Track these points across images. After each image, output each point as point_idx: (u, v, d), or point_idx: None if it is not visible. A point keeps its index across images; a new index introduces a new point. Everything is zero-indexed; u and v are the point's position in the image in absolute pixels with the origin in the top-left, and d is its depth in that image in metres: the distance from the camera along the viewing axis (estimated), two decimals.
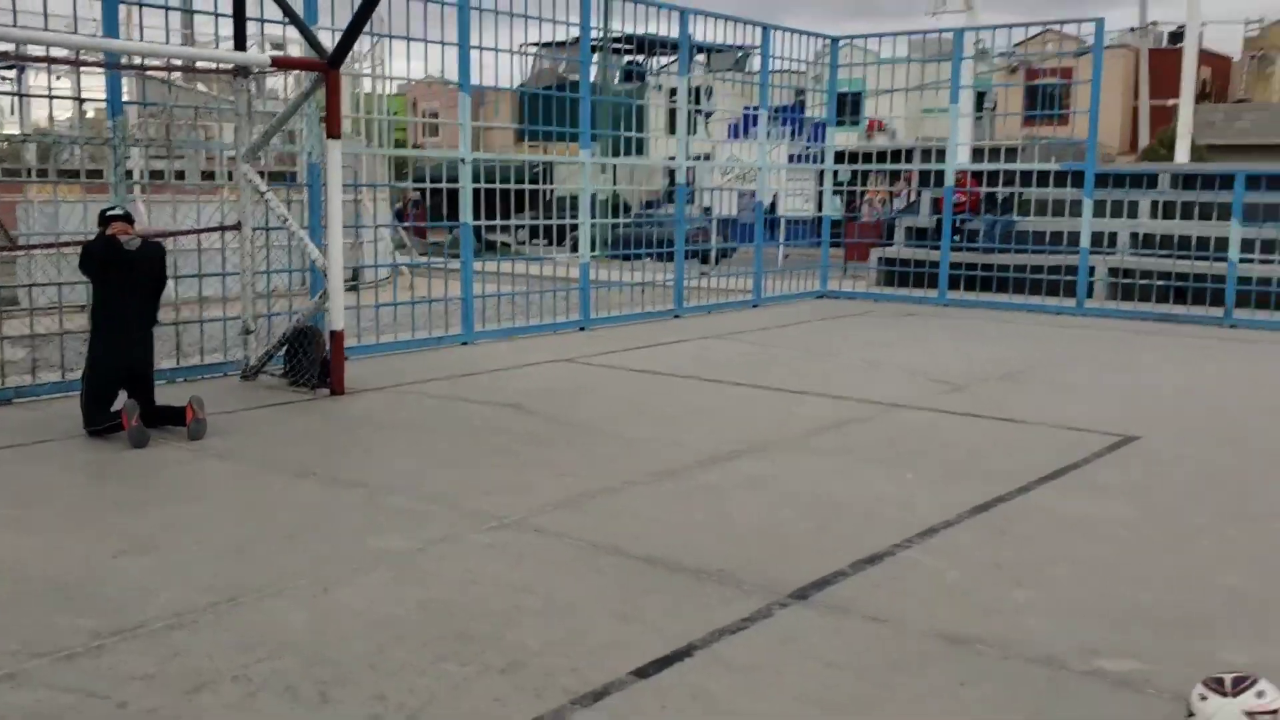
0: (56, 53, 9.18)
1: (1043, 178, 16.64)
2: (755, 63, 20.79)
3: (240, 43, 9.20)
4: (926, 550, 5.20)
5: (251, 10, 9.62)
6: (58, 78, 14.82)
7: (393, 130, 15.11)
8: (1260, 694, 3.19)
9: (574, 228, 21.16)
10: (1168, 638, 4.18)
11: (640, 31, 14.86)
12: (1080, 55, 45.31)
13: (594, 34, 13.60)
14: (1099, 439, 7.50)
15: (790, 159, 21.29)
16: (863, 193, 22.57)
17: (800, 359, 11.12)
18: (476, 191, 12.15)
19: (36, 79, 16.22)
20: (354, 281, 17.78)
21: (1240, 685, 3.23)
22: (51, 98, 11.19)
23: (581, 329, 13.10)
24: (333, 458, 6.91)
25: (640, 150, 17.15)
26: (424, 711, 3.55)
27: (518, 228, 19.86)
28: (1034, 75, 52.99)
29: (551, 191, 23.59)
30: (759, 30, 16.56)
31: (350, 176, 18.92)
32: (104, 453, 6.88)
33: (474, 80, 11.88)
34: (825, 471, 6.68)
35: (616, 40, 20.42)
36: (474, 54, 11.72)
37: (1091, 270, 16.73)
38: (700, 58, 29.24)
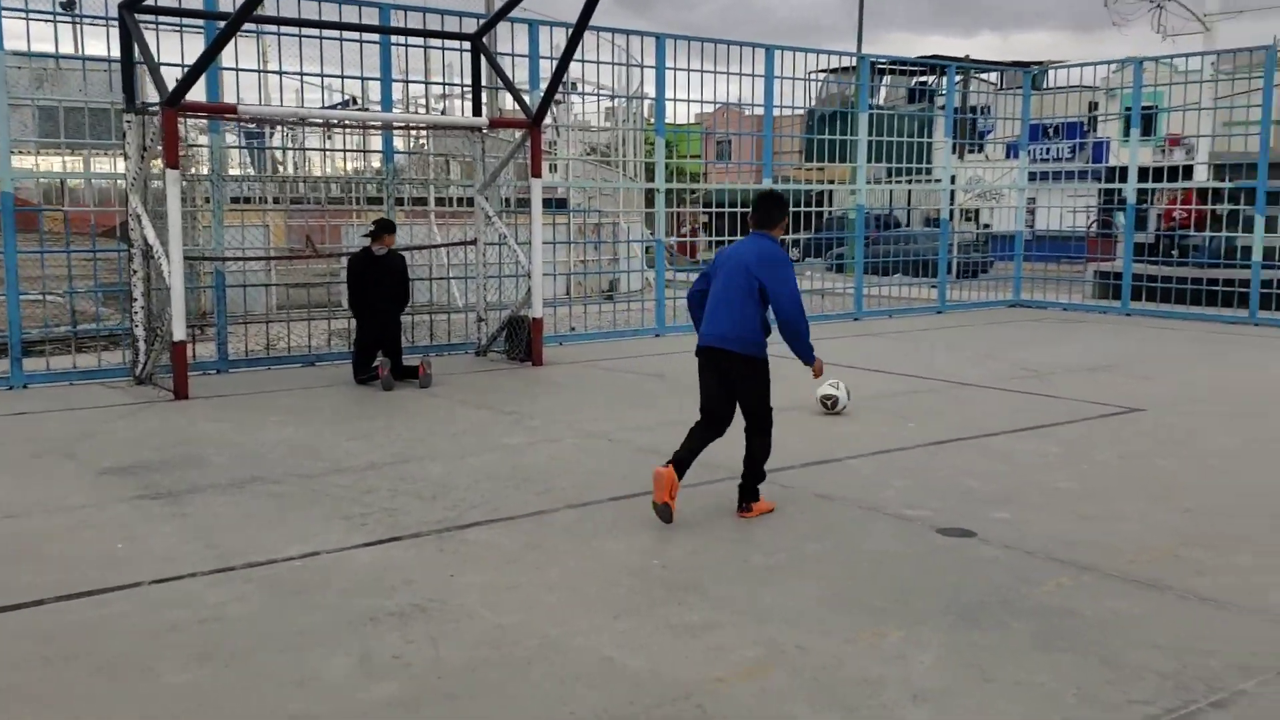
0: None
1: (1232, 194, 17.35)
2: (1052, 79, 22.21)
3: (476, 109, 12.47)
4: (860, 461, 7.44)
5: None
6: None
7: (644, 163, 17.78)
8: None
9: (838, 243, 23.67)
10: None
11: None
12: None
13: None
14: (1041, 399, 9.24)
15: (1068, 176, 22.45)
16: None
17: (922, 351, 13.08)
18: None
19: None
20: (611, 291, 21.11)
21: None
22: (350, 151, 15.03)
23: None
24: (505, 399, 9.86)
25: (928, 170, 19.32)
26: (485, 504, 6.30)
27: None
28: None
29: (831, 212, 26.29)
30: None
31: (610, 206, 22.32)
32: (362, 391, 10.22)
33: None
34: (844, 419, 8.90)
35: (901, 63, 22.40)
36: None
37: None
38: (990, 76, 30.66)
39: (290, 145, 17.72)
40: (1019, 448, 7.86)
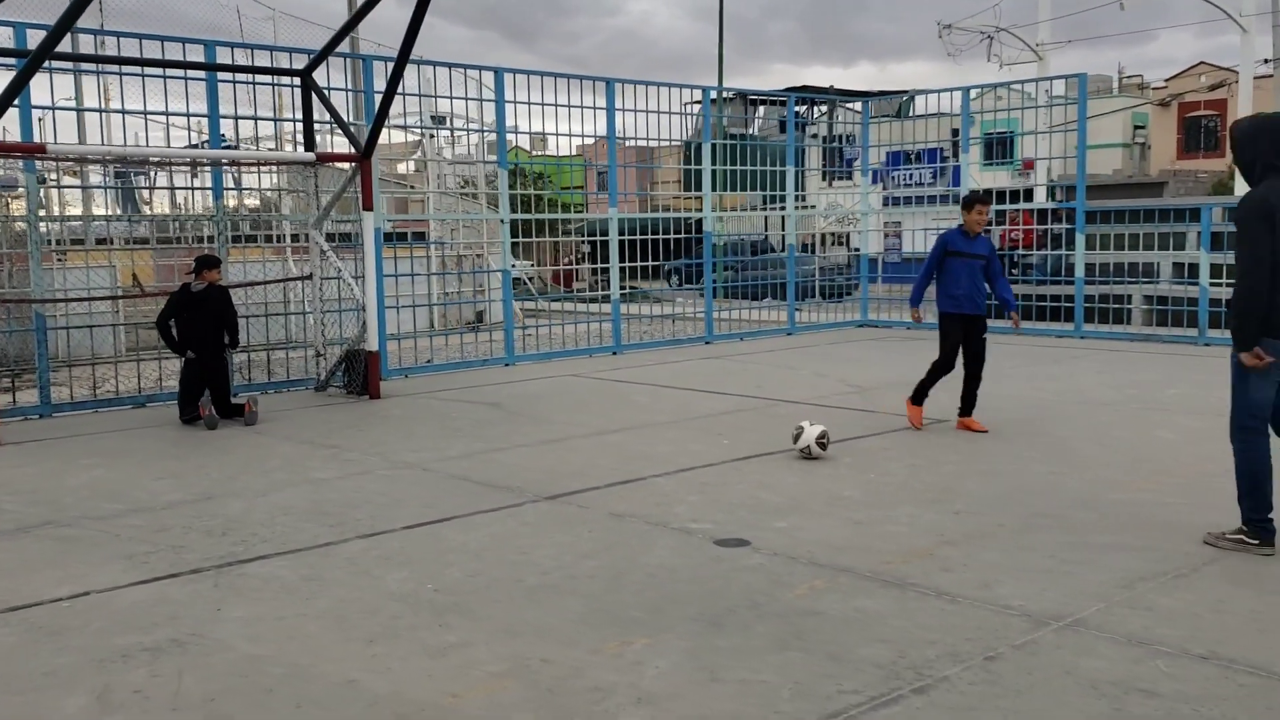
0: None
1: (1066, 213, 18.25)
2: (918, 106, 22.92)
3: (309, 144, 12.44)
4: (683, 478, 7.63)
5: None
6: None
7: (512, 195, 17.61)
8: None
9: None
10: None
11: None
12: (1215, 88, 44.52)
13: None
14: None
15: (930, 200, 23.29)
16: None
17: (758, 372, 13.43)
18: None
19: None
20: (477, 322, 21.12)
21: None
22: (182, 188, 14.81)
23: (614, 353, 15.78)
24: (329, 433, 9.83)
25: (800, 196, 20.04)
26: (275, 538, 6.30)
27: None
28: (1187, 109, 52.22)
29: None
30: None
31: (472, 237, 22.36)
32: (185, 432, 10.07)
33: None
34: (661, 439, 9.11)
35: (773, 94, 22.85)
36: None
37: (1128, 298, 18.30)
38: (856, 105, 31.59)
39: (151, 185, 17.38)
40: (818, 461, 8.16)
